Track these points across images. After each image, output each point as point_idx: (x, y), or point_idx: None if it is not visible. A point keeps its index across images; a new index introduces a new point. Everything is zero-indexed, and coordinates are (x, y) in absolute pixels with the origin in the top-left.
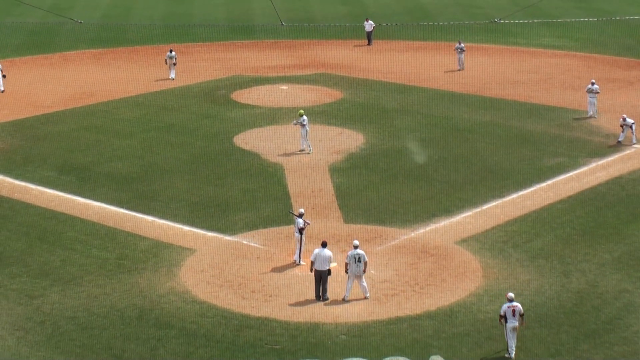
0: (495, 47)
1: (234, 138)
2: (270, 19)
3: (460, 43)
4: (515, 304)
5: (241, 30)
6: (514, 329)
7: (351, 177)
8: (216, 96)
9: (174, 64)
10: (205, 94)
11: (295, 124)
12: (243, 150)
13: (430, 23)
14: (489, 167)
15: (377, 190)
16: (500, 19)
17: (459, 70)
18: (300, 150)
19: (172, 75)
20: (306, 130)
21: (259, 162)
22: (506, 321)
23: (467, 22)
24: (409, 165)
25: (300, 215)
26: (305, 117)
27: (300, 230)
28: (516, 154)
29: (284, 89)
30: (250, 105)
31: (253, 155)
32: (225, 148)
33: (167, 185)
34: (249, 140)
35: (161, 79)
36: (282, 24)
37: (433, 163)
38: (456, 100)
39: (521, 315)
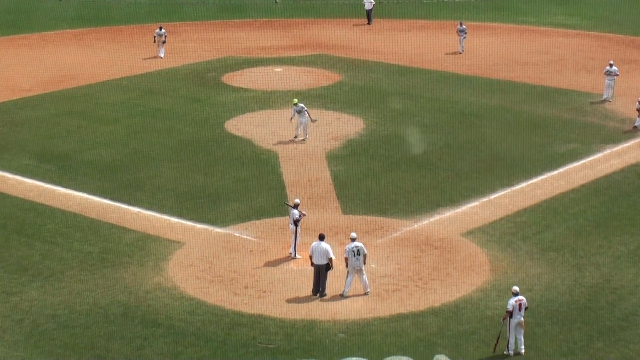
0: (503, 25)
1: (225, 123)
2: None
3: (461, 24)
4: (521, 297)
5: (233, 8)
6: (519, 324)
7: (350, 165)
8: (206, 79)
9: (164, 42)
10: (194, 76)
11: (293, 117)
12: (235, 137)
13: (434, 0)
14: (497, 154)
15: (378, 179)
16: None
17: (460, 53)
18: (294, 137)
19: (161, 54)
20: (306, 118)
21: (251, 149)
22: (511, 316)
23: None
24: (412, 153)
25: (296, 206)
26: (301, 105)
27: (296, 222)
28: (526, 140)
29: (278, 71)
30: (242, 88)
31: (245, 141)
32: (215, 134)
33: (154, 174)
34: (241, 125)
35: (149, 58)
36: (276, 2)
37: (437, 150)
38: (462, 83)
39: (525, 309)
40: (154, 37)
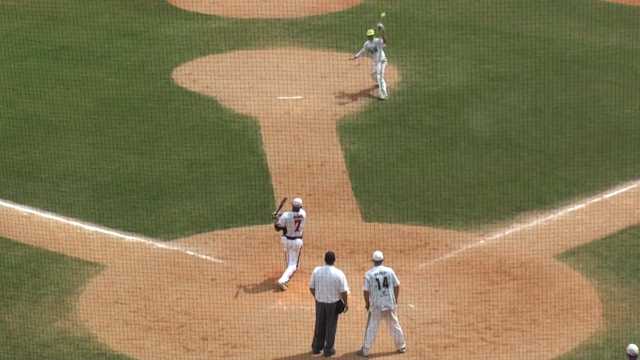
0: None
1: (174, 72)
2: None
3: None
4: None
5: None
6: None
7: (375, 142)
8: None
9: None
10: None
11: (358, 57)
12: (189, 93)
13: None
14: (616, 125)
15: (420, 165)
16: None
17: None
18: (379, 98)
19: None
20: (381, 60)
21: (216, 113)
22: None
23: None
24: (477, 123)
25: (297, 208)
26: (377, 40)
27: (277, 228)
28: None
29: None
30: (201, 14)
31: (206, 101)
32: (157, 89)
33: (57, 152)
34: (198, 75)
35: None
36: None
37: (519, 118)
38: (558, 8)
39: None
40: None
